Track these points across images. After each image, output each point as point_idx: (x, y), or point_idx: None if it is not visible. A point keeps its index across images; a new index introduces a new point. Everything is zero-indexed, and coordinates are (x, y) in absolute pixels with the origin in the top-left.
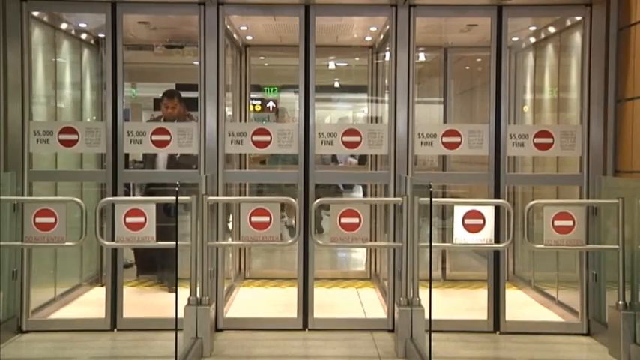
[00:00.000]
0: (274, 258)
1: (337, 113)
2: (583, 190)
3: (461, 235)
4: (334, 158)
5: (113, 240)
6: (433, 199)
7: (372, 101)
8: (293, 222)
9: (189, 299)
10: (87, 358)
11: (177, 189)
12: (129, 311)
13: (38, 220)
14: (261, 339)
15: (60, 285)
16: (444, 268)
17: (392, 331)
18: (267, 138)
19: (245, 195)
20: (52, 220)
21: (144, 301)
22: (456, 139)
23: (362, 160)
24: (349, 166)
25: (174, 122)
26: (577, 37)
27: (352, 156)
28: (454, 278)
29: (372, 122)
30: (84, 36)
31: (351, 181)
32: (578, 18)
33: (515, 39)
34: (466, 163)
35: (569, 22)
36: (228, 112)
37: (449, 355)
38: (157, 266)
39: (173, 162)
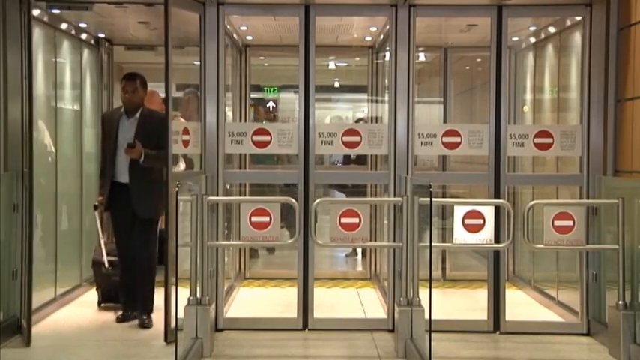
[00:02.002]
0: (274, 258)
1: (337, 113)
2: (583, 190)
3: (461, 235)
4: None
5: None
6: (433, 199)
7: (372, 101)
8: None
9: (189, 299)
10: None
11: (177, 189)
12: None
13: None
14: (261, 339)
15: (60, 285)
16: (444, 268)
17: (392, 331)
18: (267, 138)
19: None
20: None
21: None
22: (456, 139)
23: (346, 160)
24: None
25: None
26: (577, 37)
27: (330, 156)
28: (454, 278)
29: (372, 122)
30: (84, 36)
31: (351, 180)
32: (578, 18)
33: (515, 39)
34: (466, 163)
35: (569, 22)
36: (228, 112)
37: (449, 355)
38: (118, 295)
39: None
